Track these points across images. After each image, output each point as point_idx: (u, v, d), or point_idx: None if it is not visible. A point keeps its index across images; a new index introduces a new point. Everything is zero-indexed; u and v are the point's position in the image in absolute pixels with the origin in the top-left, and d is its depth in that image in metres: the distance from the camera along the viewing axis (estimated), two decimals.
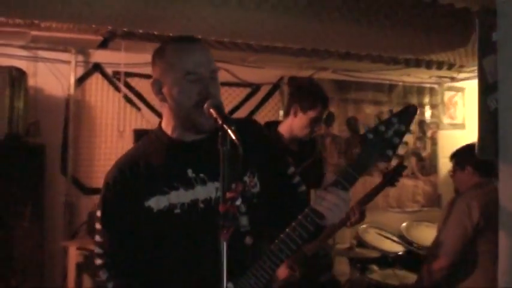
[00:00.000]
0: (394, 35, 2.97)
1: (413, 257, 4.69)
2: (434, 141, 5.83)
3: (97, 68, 4.45)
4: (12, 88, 3.71)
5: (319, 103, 2.88)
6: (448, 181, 5.81)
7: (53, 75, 4.27)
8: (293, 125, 2.92)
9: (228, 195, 1.36)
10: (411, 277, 3.97)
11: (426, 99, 5.79)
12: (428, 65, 4.57)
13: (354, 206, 3.14)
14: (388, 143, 1.57)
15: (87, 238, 3.92)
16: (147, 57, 4.38)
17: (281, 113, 5.16)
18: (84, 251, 3.76)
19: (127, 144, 4.27)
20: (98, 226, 1.66)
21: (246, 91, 5.03)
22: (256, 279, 1.55)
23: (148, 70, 4.93)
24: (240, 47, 4.04)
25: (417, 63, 4.51)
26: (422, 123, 5.75)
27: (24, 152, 3.83)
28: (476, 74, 5.36)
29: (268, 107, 5.12)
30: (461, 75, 5.26)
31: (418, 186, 5.67)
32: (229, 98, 4.87)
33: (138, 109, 4.54)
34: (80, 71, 4.39)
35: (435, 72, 5.07)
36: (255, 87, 5.07)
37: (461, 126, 5.93)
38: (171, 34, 3.14)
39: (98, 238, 1.65)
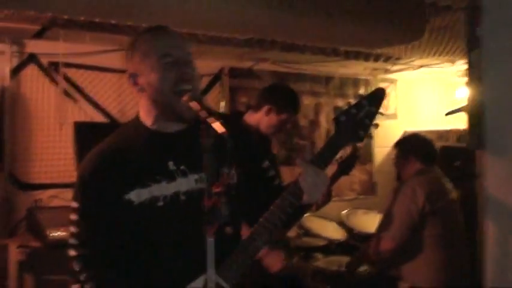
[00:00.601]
0: (350, 28, 3.04)
1: (354, 243, 4.85)
2: None
3: (32, 58, 4.24)
4: None
5: (294, 108, 3.02)
6: (382, 169, 6.08)
7: None
8: (262, 121, 2.99)
9: (214, 189, 1.38)
10: None
11: (361, 91, 5.95)
12: (367, 57, 4.71)
13: None
14: (360, 124, 1.66)
15: (28, 235, 3.75)
16: (86, 47, 4.28)
17: (222, 104, 5.16)
18: (26, 248, 3.60)
19: (67, 137, 4.13)
20: (73, 217, 1.62)
21: None
22: (237, 265, 1.57)
23: (87, 60, 4.75)
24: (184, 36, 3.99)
25: (356, 55, 4.65)
26: None
27: None
28: (408, 66, 5.61)
29: (208, 98, 5.06)
30: (395, 67, 5.46)
31: (355, 175, 5.82)
32: None
33: (75, 100, 4.38)
34: (15, 62, 4.17)
35: (370, 64, 5.22)
36: None
37: (394, 116, 6.19)
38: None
39: (72, 229, 1.62)
